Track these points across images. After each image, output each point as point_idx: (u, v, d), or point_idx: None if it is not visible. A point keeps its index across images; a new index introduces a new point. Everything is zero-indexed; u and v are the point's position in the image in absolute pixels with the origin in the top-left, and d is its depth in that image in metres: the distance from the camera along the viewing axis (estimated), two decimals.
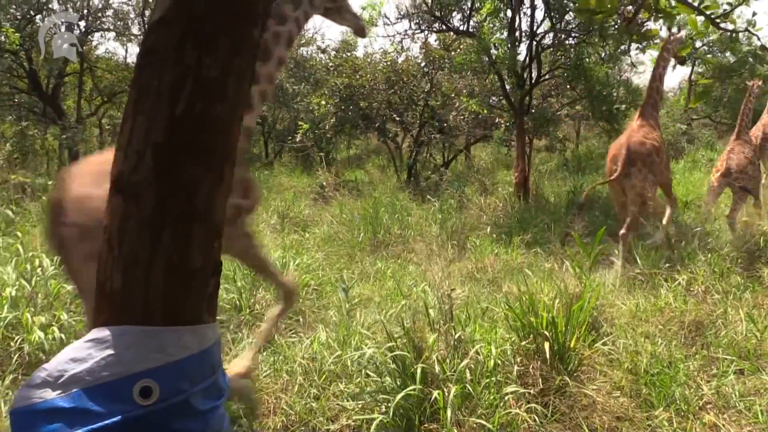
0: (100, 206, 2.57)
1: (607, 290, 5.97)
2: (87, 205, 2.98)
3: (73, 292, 5.24)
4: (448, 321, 4.61)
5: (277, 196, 12.39)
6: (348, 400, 3.94)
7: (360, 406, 3.86)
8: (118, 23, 18.19)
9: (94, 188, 2.91)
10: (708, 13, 3.78)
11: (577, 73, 12.07)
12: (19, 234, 6.73)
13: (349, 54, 19.12)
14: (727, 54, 15.62)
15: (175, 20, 1.12)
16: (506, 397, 3.83)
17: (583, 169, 16.94)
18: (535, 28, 12.52)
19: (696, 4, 3.78)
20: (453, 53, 14.54)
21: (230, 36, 1.14)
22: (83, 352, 1.08)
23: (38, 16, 15.83)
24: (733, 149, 8.75)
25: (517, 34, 12.18)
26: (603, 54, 12.95)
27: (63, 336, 4.49)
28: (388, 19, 14.32)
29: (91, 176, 3.09)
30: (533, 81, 12.93)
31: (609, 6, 3.35)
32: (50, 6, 15.66)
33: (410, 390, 3.70)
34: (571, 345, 4.28)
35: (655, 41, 9.50)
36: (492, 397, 3.82)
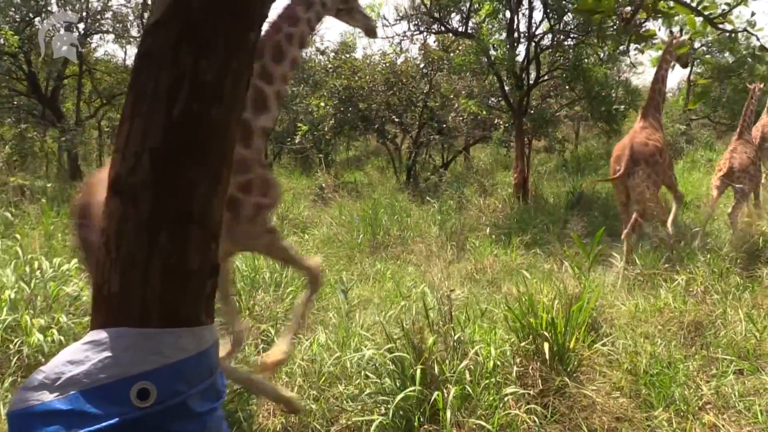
0: None
1: (608, 290, 5.97)
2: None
3: (72, 295, 5.24)
4: (447, 322, 4.61)
5: None
6: (347, 402, 3.94)
7: (359, 407, 3.86)
8: (117, 25, 18.19)
9: None
10: (706, 13, 3.78)
11: (575, 74, 12.09)
12: (18, 236, 6.73)
13: (348, 55, 19.14)
14: (726, 54, 15.64)
15: (171, 23, 1.12)
16: (506, 398, 3.83)
17: (582, 170, 16.95)
18: (533, 29, 12.55)
19: (694, 4, 3.78)
20: (452, 54, 14.56)
21: (227, 39, 1.14)
22: (80, 355, 1.08)
23: (37, 19, 15.83)
24: (735, 149, 8.86)
25: (516, 35, 12.19)
26: (602, 55, 12.97)
27: (62, 338, 4.49)
28: (387, 20, 14.31)
29: None
30: (532, 82, 12.95)
31: (607, 6, 3.35)
32: (49, 8, 15.66)
33: (410, 391, 3.70)
34: (571, 346, 4.28)
35: (654, 41, 9.51)
36: (491, 398, 3.82)
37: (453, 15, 13.72)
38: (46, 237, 7.23)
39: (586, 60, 12.19)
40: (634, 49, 12.26)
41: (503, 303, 4.98)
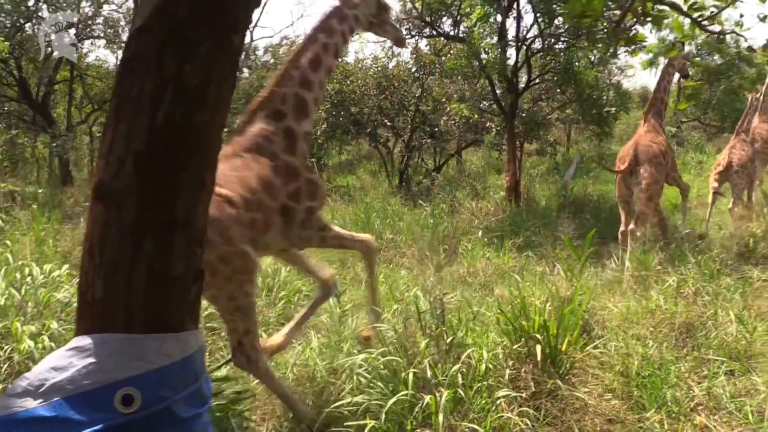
0: None
1: (600, 291, 5.97)
2: None
3: (62, 301, 5.21)
4: (439, 325, 4.61)
5: None
6: (340, 407, 3.92)
7: (352, 411, 3.85)
8: (109, 31, 18.15)
9: None
10: (695, 15, 3.80)
11: (566, 77, 12.13)
12: (8, 243, 6.69)
13: (339, 60, 19.15)
14: (716, 57, 15.73)
15: (155, 28, 1.12)
16: (498, 401, 3.82)
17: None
18: (524, 32, 12.59)
19: (684, 7, 3.80)
20: (443, 58, 14.57)
21: (211, 44, 1.14)
22: (64, 361, 1.08)
23: (27, 24, 15.77)
24: (734, 146, 9.40)
25: (507, 38, 12.23)
26: (592, 58, 13.02)
27: (53, 345, 4.45)
28: None
29: None
30: (523, 85, 12.99)
31: (596, 10, 3.36)
32: (40, 14, 15.60)
33: (402, 395, 3.69)
34: (563, 348, 4.28)
35: (644, 45, 9.59)
36: (484, 402, 3.81)
37: (444, 19, 13.76)
38: (36, 243, 7.19)
39: (576, 63, 12.24)
40: (624, 52, 12.33)
41: (495, 306, 4.98)
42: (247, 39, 24.92)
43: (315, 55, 4.15)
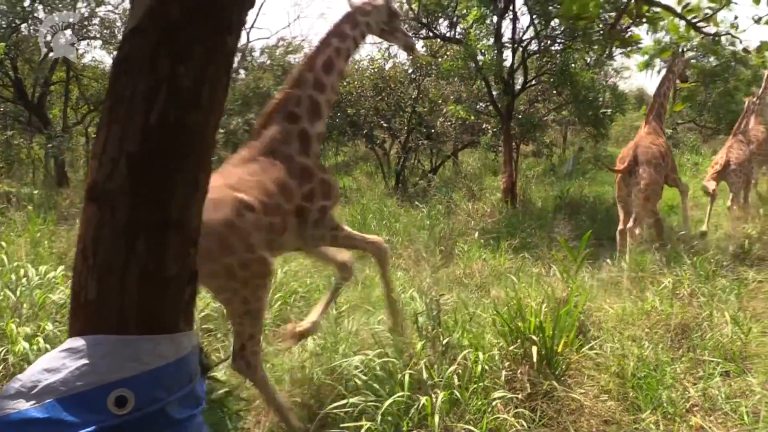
0: (221, 231, 3.21)
1: (595, 293, 5.98)
2: (208, 230, 3.27)
3: (58, 303, 5.19)
4: (436, 327, 4.61)
5: None
6: (336, 408, 3.91)
7: (348, 413, 3.84)
8: (105, 31, 18.09)
9: (212, 213, 3.35)
10: (690, 17, 3.81)
11: (563, 79, 12.15)
12: (3, 244, 6.66)
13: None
14: (711, 59, 15.77)
15: (149, 29, 1.12)
16: (494, 403, 3.83)
17: (570, 174, 17.02)
18: (521, 34, 12.60)
19: (678, 9, 3.81)
20: (440, 60, 14.59)
21: (205, 45, 1.14)
22: (57, 362, 1.07)
23: (23, 25, 15.72)
24: (732, 145, 9.65)
25: (504, 40, 12.25)
26: (588, 60, 13.04)
27: (48, 346, 4.44)
28: None
29: (210, 204, 3.30)
30: (520, 87, 13.00)
31: (591, 11, 3.37)
32: (35, 15, 15.56)
33: (398, 396, 3.69)
34: (559, 349, 4.29)
35: (639, 46, 9.65)
36: (480, 403, 3.81)
37: (441, 20, 13.77)
38: (32, 244, 7.17)
39: (573, 65, 12.26)
40: (620, 54, 12.36)
41: (492, 307, 4.98)
42: (244, 40, 24.89)
43: (328, 58, 4.26)
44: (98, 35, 18.12)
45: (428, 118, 15.47)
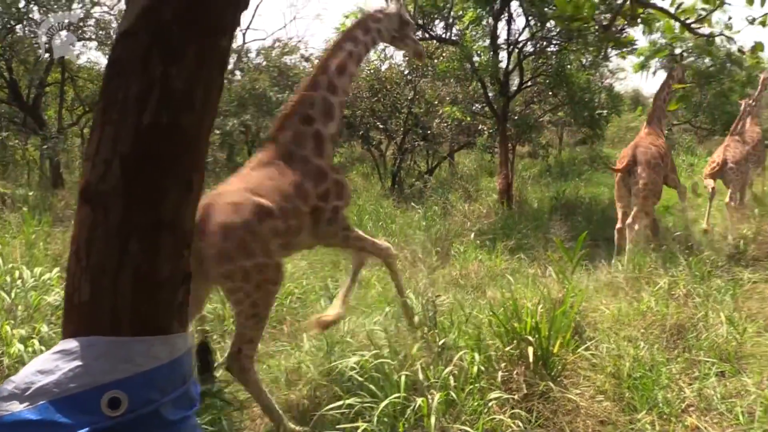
0: (241, 234, 3.39)
1: (591, 293, 5.99)
2: (229, 232, 3.62)
3: (53, 305, 5.18)
4: (432, 328, 4.61)
5: None
6: (332, 409, 3.91)
7: (344, 414, 3.84)
8: (100, 32, 18.04)
9: (234, 216, 3.64)
10: (684, 18, 3.83)
11: (558, 80, 12.18)
12: None
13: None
14: (706, 60, 15.80)
15: (141, 31, 1.12)
16: (490, 403, 3.83)
17: (566, 175, 17.05)
18: (516, 35, 12.62)
19: (672, 10, 3.83)
20: (436, 61, 14.59)
21: (198, 46, 1.14)
22: (51, 364, 1.07)
23: (18, 26, 15.68)
24: (729, 145, 9.83)
25: (500, 42, 12.26)
26: (584, 61, 13.06)
27: (43, 348, 4.43)
28: None
29: (231, 205, 3.72)
30: (516, 88, 13.02)
31: (586, 13, 3.38)
32: (31, 16, 15.51)
33: (394, 397, 3.69)
34: (555, 350, 4.30)
35: (635, 47, 9.71)
36: (476, 404, 3.82)
37: (437, 22, 13.75)
38: (27, 246, 7.16)
39: (568, 66, 12.29)
40: (615, 55, 12.39)
41: (488, 308, 4.99)
42: (240, 41, 24.86)
43: (341, 61, 4.42)
44: (94, 36, 18.07)
45: (424, 119, 15.48)
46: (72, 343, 1.09)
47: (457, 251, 8.29)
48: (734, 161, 9.56)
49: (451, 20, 13.22)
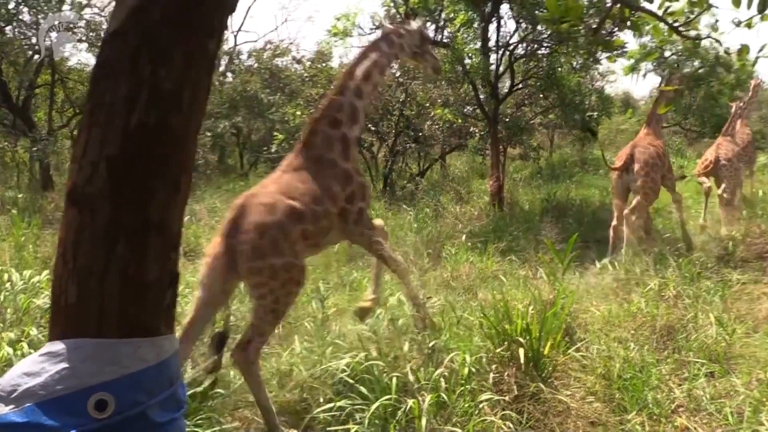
0: (274, 233, 3.64)
1: (582, 295, 6.01)
2: (264, 230, 3.87)
3: (42, 308, 5.15)
4: (423, 330, 4.62)
5: None
6: (323, 411, 3.91)
7: (335, 416, 3.84)
8: (91, 34, 17.97)
9: (268, 216, 3.91)
10: (671, 21, 3.85)
11: (549, 83, 12.20)
12: None
13: (324, 64, 19.13)
14: (696, 63, 15.87)
15: (130, 32, 1.12)
16: (481, 405, 3.84)
17: (557, 177, 17.10)
18: (507, 38, 12.65)
19: (660, 12, 3.85)
20: None
21: (186, 48, 1.14)
22: (37, 366, 1.07)
23: (8, 27, 15.57)
24: (721, 144, 10.03)
25: (491, 44, 12.29)
26: (575, 64, 13.11)
27: (32, 351, 4.37)
28: (363, 29, 14.28)
29: (266, 206, 3.97)
30: (507, 90, 13.05)
31: (574, 15, 3.40)
32: (20, 17, 15.41)
33: (385, 399, 3.69)
34: (546, 351, 4.31)
35: (624, 50, 9.78)
36: (467, 405, 3.82)
37: (428, 24, 13.78)
38: (16, 248, 7.11)
39: (559, 69, 12.32)
40: (606, 58, 12.44)
41: (479, 310, 5.00)
42: (231, 43, 24.80)
43: (367, 69, 4.69)
44: (84, 38, 17.98)
45: (416, 121, 15.48)
46: (58, 346, 1.08)
47: (449, 253, 8.29)
48: (726, 158, 9.75)
49: (442, 23, 13.24)
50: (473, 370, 4.14)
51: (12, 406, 1.04)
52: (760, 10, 3.10)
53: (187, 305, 5.43)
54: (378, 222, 4.96)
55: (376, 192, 14.67)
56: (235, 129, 19.31)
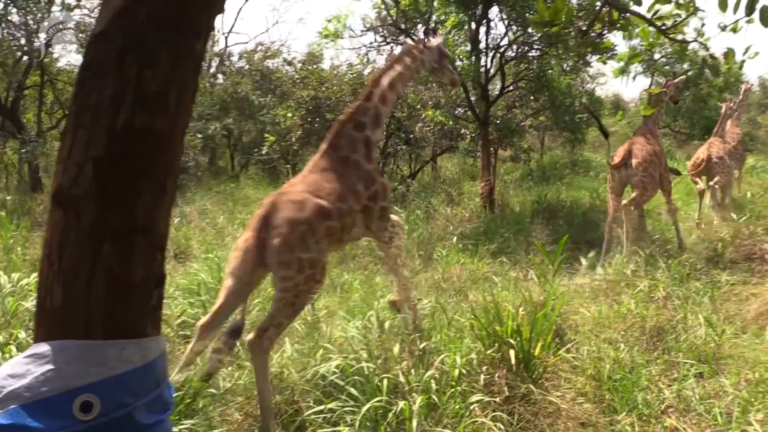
0: (303, 229, 4.07)
1: (572, 296, 6.03)
2: (294, 225, 4.08)
3: (31, 310, 5.11)
4: (413, 331, 4.62)
5: (243, 209, 12.22)
6: (313, 414, 3.90)
7: (326, 419, 3.83)
8: (80, 35, 17.88)
9: (298, 213, 4.14)
10: (659, 24, 3.87)
11: (540, 85, 12.26)
12: None
13: (315, 66, 19.10)
14: (685, 66, 16.00)
15: (115, 34, 1.11)
16: (472, 406, 3.85)
17: (547, 179, 17.15)
18: (498, 41, 12.69)
19: (649, 15, 3.87)
20: None
21: (171, 49, 1.14)
22: (22, 368, 1.06)
23: None
24: (712, 143, 10.24)
25: (481, 46, 12.32)
26: (565, 66, 13.17)
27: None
28: (354, 31, 14.29)
29: (295, 203, 4.20)
30: (497, 92, 13.09)
31: (564, 18, 3.41)
32: (9, 18, 15.31)
33: (376, 401, 3.69)
34: (536, 353, 4.32)
35: (614, 53, 9.84)
36: (458, 407, 3.83)
37: (419, 26, 13.81)
38: (5, 251, 7.07)
39: (550, 71, 12.37)
40: (596, 60, 12.50)
41: (469, 311, 5.01)
42: (222, 45, 24.74)
43: (392, 78, 5.05)
44: (73, 39, 17.89)
45: (407, 123, 15.49)
46: (44, 347, 1.08)
47: (440, 255, 8.30)
48: (718, 156, 9.95)
49: (433, 25, 13.27)
50: (464, 371, 4.15)
51: None
52: (748, 13, 3.12)
53: (176, 307, 5.44)
54: (395, 218, 5.18)
55: None
56: (225, 131, 19.26)
